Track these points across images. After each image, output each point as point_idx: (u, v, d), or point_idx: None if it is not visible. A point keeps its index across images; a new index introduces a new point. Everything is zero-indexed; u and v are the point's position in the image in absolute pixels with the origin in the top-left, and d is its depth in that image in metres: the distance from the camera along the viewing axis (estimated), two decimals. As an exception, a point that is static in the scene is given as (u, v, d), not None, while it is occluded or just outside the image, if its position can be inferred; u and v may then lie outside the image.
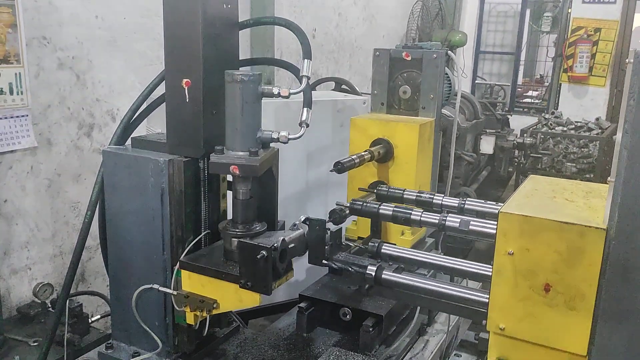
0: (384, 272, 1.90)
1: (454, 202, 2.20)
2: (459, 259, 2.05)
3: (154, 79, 2.19)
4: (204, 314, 1.99)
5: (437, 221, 2.06)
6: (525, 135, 6.79)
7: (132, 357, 2.11)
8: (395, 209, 2.17)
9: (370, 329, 2.18)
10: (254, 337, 2.31)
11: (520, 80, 11.07)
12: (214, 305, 1.95)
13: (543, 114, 8.25)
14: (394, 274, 1.91)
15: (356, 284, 1.99)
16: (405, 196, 2.28)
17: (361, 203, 2.21)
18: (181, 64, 1.97)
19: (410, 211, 2.14)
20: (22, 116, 3.12)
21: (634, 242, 1.34)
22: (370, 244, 2.04)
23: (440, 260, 2.00)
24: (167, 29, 1.98)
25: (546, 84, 10.77)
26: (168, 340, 2.08)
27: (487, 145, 5.87)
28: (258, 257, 1.79)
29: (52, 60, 3.30)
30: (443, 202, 2.22)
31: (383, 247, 2.02)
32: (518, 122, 7.80)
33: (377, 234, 2.60)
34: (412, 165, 2.61)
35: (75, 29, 3.40)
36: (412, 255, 2.05)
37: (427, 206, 2.23)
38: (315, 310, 2.31)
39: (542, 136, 7.07)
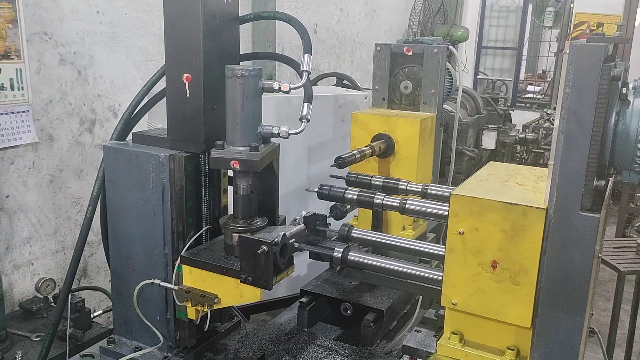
0: (350, 253, 1.97)
1: (417, 187, 2.27)
2: (424, 242, 2.15)
3: (154, 74, 2.19)
4: (205, 309, 1.99)
5: (397, 204, 2.12)
6: (527, 130, 6.78)
7: (134, 352, 2.11)
8: (359, 193, 2.22)
9: (371, 324, 2.19)
10: (255, 331, 2.32)
11: (522, 75, 11.04)
12: (215, 300, 1.95)
13: (545, 109, 8.22)
14: (358, 254, 1.98)
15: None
16: (372, 182, 2.35)
17: (328, 188, 2.25)
18: (182, 58, 1.96)
19: (373, 195, 2.19)
20: (23, 112, 3.13)
21: (570, 221, 1.44)
22: (340, 228, 2.10)
23: (407, 243, 2.09)
24: (167, 23, 1.97)
25: (548, 79, 10.73)
26: (169, 335, 2.08)
27: (489, 140, 5.87)
28: (259, 252, 1.79)
29: (53, 55, 3.30)
30: (408, 188, 2.28)
31: (352, 231, 2.10)
32: (520, 118, 7.79)
33: (377, 228, 2.60)
34: (413, 160, 2.61)
35: (77, 25, 3.40)
36: (380, 238, 2.13)
37: (393, 191, 2.29)
38: (316, 305, 2.32)
39: (544, 131, 7.04)
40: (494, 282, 1.58)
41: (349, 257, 1.96)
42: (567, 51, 1.35)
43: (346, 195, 2.22)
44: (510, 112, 7.01)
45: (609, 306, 4.07)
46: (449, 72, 3.11)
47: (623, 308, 3.99)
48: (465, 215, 1.59)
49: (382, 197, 2.17)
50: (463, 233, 1.60)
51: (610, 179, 1.53)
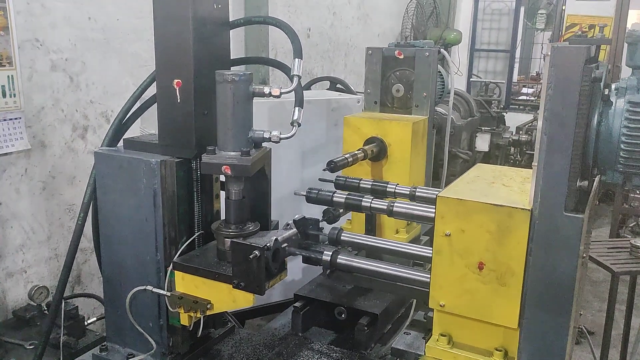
0: (339, 256, 1.96)
1: (405, 190, 2.28)
2: (414, 245, 2.17)
3: (145, 80, 2.19)
4: (198, 315, 1.99)
5: (385, 207, 2.12)
6: (520, 132, 6.80)
7: (127, 359, 2.10)
8: (347, 196, 2.23)
9: (366, 328, 2.19)
10: (249, 337, 2.31)
11: (515, 77, 11.07)
12: (208, 306, 1.95)
13: (538, 111, 8.23)
14: (347, 257, 1.98)
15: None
16: (361, 185, 2.35)
17: (316, 192, 2.25)
18: (172, 64, 1.97)
19: (361, 198, 2.20)
20: (15, 119, 3.12)
21: (554, 221, 1.45)
22: (330, 231, 2.10)
23: (396, 246, 2.09)
24: (157, 29, 1.98)
25: (542, 81, 10.74)
26: (162, 341, 2.08)
27: (483, 142, 5.88)
28: (251, 257, 1.79)
29: (45, 62, 3.29)
30: (396, 190, 2.29)
31: (342, 234, 2.09)
32: (514, 120, 7.80)
33: (371, 232, 2.61)
34: (406, 163, 2.62)
35: (69, 31, 3.40)
36: (369, 241, 2.14)
37: (381, 194, 2.30)
38: (310, 309, 2.31)
39: (538, 133, 7.03)
40: (481, 283, 1.59)
41: (338, 260, 1.96)
42: (549, 53, 1.37)
43: (334, 199, 2.23)
44: (504, 114, 7.02)
45: (604, 307, 4.08)
46: (441, 75, 3.12)
47: (618, 308, 4.00)
48: (452, 217, 1.60)
49: (370, 200, 2.18)
50: (450, 235, 1.61)
51: (596, 179, 1.54)
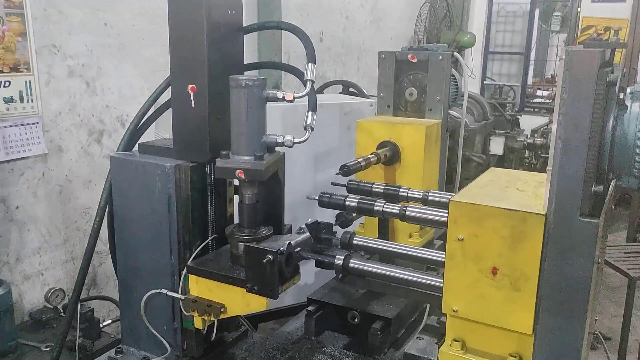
0: (351, 260, 1.96)
1: (418, 194, 2.27)
2: (425, 249, 2.16)
3: (160, 85, 2.22)
4: (212, 318, 2.00)
5: (398, 211, 2.12)
6: (535, 135, 6.74)
7: (141, 362, 2.12)
8: (360, 200, 2.22)
9: (379, 332, 2.18)
10: (262, 341, 2.32)
11: (530, 80, 10.98)
12: (222, 310, 1.96)
13: (553, 115, 8.14)
14: (360, 262, 1.97)
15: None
16: (373, 189, 2.35)
17: (329, 196, 2.26)
18: (186, 69, 1.99)
19: (373, 202, 2.19)
20: (33, 123, 3.17)
21: (569, 226, 1.44)
22: (342, 235, 2.10)
23: (407, 250, 2.08)
24: (172, 34, 2.00)
25: (556, 84, 10.64)
26: (176, 344, 2.09)
27: (497, 146, 5.84)
28: (264, 261, 1.80)
29: (62, 67, 3.34)
30: (408, 195, 2.29)
31: (354, 238, 2.09)
32: (529, 123, 7.73)
33: (384, 236, 2.60)
34: (419, 167, 2.61)
35: (85, 37, 3.45)
36: (380, 245, 2.13)
37: (394, 198, 2.29)
38: (323, 313, 2.31)
39: (553, 136, 6.95)
40: (495, 288, 1.58)
41: (351, 265, 1.96)
42: (563, 56, 1.35)
43: (346, 203, 2.23)
44: (518, 117, 6.96)
45: (621, 312, 4.03)
46: (454, 78, 3.11)
47: (635, 314, 3.95)
48: (465, 221, 1.59)
49: (383, 204, 2.17)
50: (463, 239, 1.59)
51: (611, 184, 1.52)
